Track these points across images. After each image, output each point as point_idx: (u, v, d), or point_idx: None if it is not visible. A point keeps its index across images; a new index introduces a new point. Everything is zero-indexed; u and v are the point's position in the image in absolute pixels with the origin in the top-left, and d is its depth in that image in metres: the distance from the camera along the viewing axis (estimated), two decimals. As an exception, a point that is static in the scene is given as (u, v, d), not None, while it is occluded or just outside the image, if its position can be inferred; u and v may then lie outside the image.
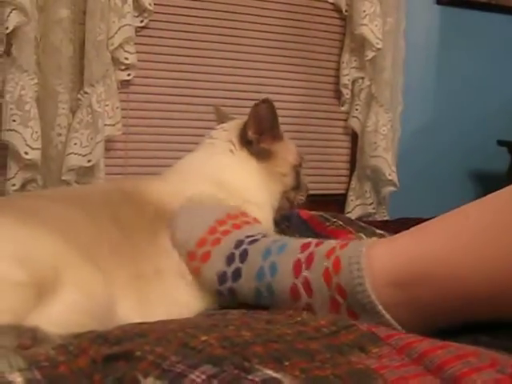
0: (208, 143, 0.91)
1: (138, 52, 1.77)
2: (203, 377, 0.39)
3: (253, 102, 0.87)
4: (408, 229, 0.60)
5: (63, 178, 1.63)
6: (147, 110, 1.91)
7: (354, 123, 2.16)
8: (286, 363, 0.42)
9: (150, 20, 1.84)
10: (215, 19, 1.97)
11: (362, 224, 0.99)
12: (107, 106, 1.70)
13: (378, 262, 0.56)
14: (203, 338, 0.45)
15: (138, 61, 1.79)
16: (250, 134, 0.88)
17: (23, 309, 0.50)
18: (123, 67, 1.77)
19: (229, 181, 0.84)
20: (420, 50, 2.30)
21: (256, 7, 2.04)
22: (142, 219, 0.73)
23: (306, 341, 0.47)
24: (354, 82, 2.13)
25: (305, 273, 0.61)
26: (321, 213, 1.01)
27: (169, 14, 1.91)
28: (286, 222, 0.98)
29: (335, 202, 2.18)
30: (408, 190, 2.18)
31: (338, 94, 2.18)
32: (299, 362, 0.43)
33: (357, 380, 0.40)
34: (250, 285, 0.66)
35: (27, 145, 1.55)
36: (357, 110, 2.15)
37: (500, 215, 0.52)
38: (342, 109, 2.19)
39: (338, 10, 2.14)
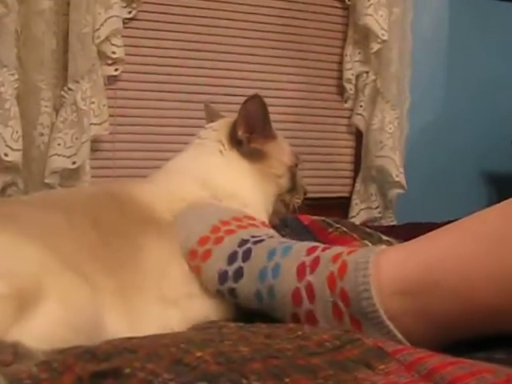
0: (197, 143, 0.92)
1: (125, 45, 1.77)
2: (198, 395, 0.39)
3: (248, 99, 0.88)
4: (416, 234, 0.60)
5: (46, 181, 1.63)
6: (136, 107, 1.91)
7: (359, 121, 2.16)
8: (287, 380, 0.42)
9: (139, 11, 1.84)
10: (209, 10, 1.97)
11: (368, 230, 0.99)
12: (93, 103, 1.70)
13: (388, 268, 0.57)
14: (198, 353, 0.45)
15: (126, 55, 1.78)
16: (240, 133, 0.88)
17: (3, 323, 0.49)
18: (110, 62, 1.77)
19: (218, 183, 0.85)
20: (429, 42, 2.31)
21: (252, -4, 2.04)
22: (128, 224, 0.73)
23: (307, 356, 0.47)
24: (358, 76, 2.13)
25: (309, 277, 0.62)
26: (323, 218, 1.02)
27: (159, 4, 1.91)
28: (285, 228, 0.98)
29: (338, 206, 2.18)
30: (416, 192, 2.18)
31: (340, 90, 2.18)
32: (300, 378, 0.43)
33: (362, 398, 0.41)
34: (250, 286, 0.67)
35: (7, 146, 1.55)
36: (361, 106, 2.15)
37: None
38: (346, 105, 2.19)
39: (340, -1, 2.15)
